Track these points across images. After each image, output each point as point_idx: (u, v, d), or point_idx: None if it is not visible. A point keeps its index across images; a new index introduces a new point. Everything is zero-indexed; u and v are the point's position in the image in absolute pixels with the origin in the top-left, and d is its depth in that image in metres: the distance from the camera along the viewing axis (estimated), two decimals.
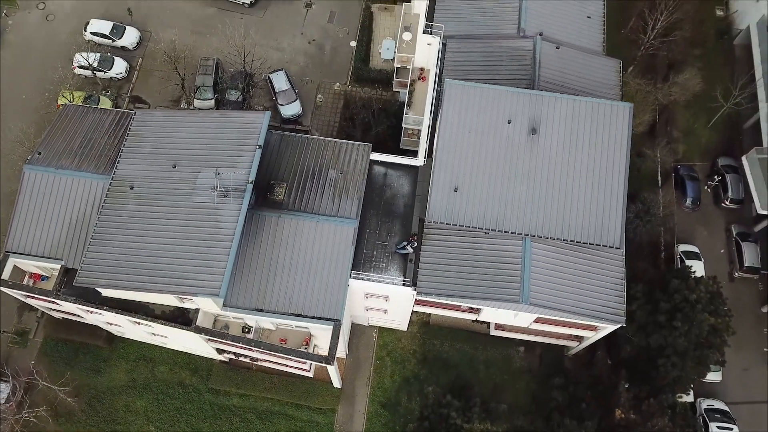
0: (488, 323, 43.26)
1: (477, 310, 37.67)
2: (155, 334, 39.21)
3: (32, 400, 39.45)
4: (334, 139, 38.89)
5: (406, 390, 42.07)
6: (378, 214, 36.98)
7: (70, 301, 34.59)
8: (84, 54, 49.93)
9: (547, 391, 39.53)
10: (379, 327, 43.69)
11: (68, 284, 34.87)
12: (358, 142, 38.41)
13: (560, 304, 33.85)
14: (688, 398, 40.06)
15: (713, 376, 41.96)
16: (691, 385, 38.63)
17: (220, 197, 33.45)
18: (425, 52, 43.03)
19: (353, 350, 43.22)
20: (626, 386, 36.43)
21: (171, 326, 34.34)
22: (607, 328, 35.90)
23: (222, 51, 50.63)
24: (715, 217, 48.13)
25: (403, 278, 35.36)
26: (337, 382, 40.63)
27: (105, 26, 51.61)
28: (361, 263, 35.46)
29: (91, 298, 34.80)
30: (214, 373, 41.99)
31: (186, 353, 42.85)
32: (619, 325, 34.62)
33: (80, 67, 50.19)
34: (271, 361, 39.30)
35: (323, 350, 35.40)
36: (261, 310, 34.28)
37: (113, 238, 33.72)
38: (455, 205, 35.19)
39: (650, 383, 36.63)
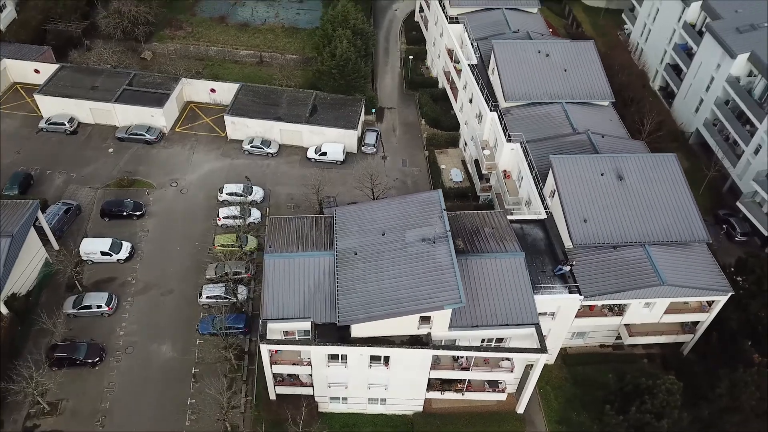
0: (611, 346, 53.80)
1: (621, 312, 48.81)
2: (372, 386, 46.23)
3: None
4: (475, 211, 52.03)
5: (571, 407, 50.06)
6: (529, 253, 49.02)
7: (328, 345, 42.35)
8: (227, 208, 62.05)
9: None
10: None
11: (319, 336, 42.94)
12: (495, 210, 51.82)
13: (688, 282, 46.27)
14: None
15: None
16: None
17: (429, 244, 44.75)
18: (508, 156, 59.29)
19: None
20: (749, 343, 47.41)
21: (413, 348, 42.59)
22: (719, 303, 48.08)
23: (336, 192, 64.50)
24: (732, 249, 63.45)
25: (568, 289, 46.62)
26: (522, 405, 48.26)
27: (237, 188, 64.48)
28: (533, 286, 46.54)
29: (339, 342, 42.83)
30: (415, 421, 48.26)
31: (382, 415, 49.11)
32: (729, 294, 47.11)
33: (225, 218, 61.62)
34: (471, 388, 46.95)
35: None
36: (476, 326, 43.78)
37: (355, 287, 43.30)
38: (588, 231, 48.51)
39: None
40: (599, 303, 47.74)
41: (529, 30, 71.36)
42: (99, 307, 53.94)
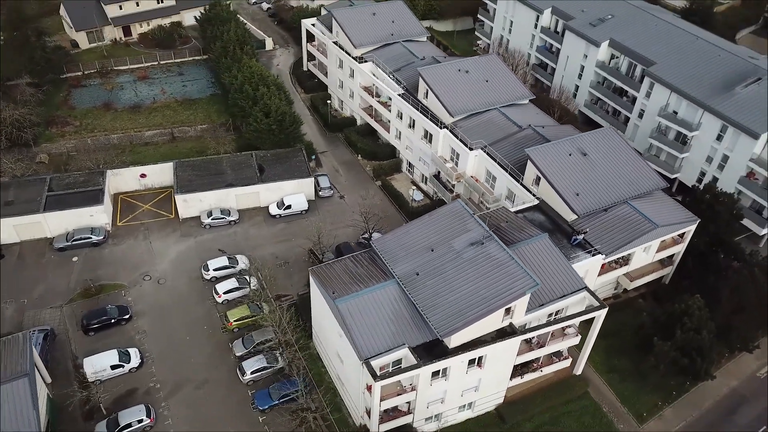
0: (612, 297, 61.88)
1: (627, 262, 56.94)
2: (465, 392, 48.38)
3: None
4: (483, 212, 56.98)
5: (611, 356, 56.78)
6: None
7: (435, 362, 43.90)
8: (224, 283, 59.82)
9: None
10: None
11: (423, 357, 44.36)
12: (500, 207, 57.38)
13: (671, 221, 55.93)
14: None
15: None
16: None
17: (479, 246, 48.68)
18: (473, 162, 65.44)
19: None
20: (721, 256, 58.21)
21: (504, 339, 45.92)
22: (690, 232, 58.47)
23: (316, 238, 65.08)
24: None
25: (591, 253, 53.50)
26: (581, 367, 53.76)
27: (222, 261, 62.18)
28: None
29: (438, 356, 44.74)
30: (502, 413, 51.19)
31: (470, 419, 51.28)
32: (697, 221, 57.70)
33: (225, 293, 59.22)
34: (543, 364, 51.32)
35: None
36: (542, 305, 48.50)
37: (436, 302, 45.54)
38: (582, 202, 56.13)
39: None
40: (613, 258, 55.16)
41: (432, 55, 79.03)
42: (140, 422, 48.77)
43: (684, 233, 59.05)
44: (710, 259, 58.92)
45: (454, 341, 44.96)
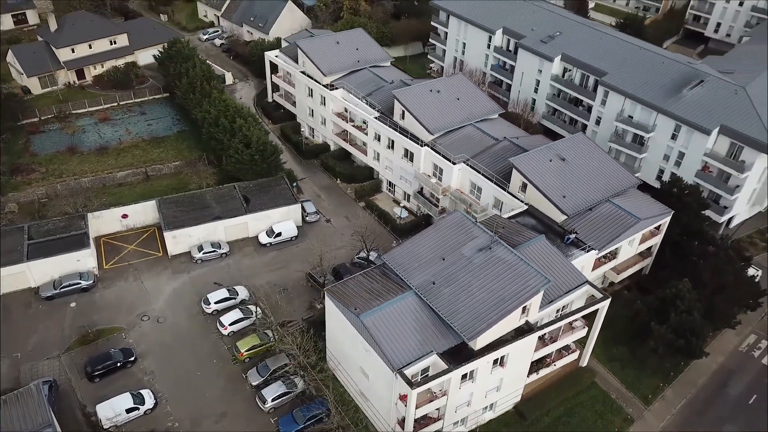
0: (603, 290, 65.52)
1: (614, 256, 60.69)
2: (488, 393, 50.00)
3: None
4: (478, 221, 59.53)
5: (609, 345, 59.98)
6: None
7: (461, 367, 45.43)
8: (227, 316, 59.50)
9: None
10: None
11: (450, 362, 45.81)
12: (494, 214, 60.13)
13: (650, 214, 60.27)
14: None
15: None
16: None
17: (487, 251, 51.02)
18: (457, 175, 68.24)
19: None
20: (696, 243, 62.95)
21: (523, 337, 48.06)
22: (666, 223, 63.04)
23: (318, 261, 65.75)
24: None
25: (584, 251, 56.84)
26: (586, 358, 56.59)
27: (222, 293, 61.81)
28: None
29: (465, 359, 46.34)
30: (523, 410, 53.03)
31: (492, 420, 52.88)
32: (672, 213, 62.34)
33: (231, 324, 58.87)
34: (550, 362, 53.74)
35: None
36: (552, 301, 51.15)
37: (457, 308, 47.30)
38: (569, 203, 59.69)
39: None
40: (604, 252, 58.75)
41: (400, 79, 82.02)
42: None
43: (660, 225, 63.54)
44: (685, 247, 63.54)
45: (479, 343, 46.71)
